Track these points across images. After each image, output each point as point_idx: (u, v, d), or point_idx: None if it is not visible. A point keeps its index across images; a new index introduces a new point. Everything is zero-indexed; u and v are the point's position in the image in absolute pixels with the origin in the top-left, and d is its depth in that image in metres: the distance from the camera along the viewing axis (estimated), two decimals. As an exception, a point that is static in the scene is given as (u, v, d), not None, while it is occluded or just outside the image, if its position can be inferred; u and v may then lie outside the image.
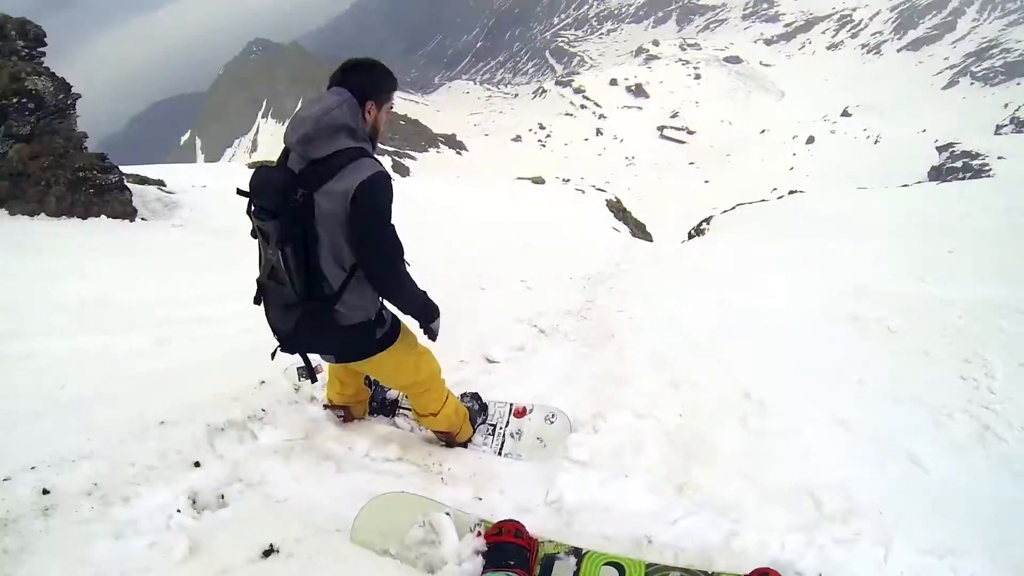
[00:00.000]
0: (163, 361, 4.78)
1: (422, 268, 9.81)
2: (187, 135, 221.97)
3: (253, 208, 2.86)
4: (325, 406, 4.16)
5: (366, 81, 3.01)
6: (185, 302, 6.41)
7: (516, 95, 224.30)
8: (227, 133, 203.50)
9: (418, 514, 3.02)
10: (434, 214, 19.36)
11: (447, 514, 3.03)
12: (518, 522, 3.00)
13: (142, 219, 10.94)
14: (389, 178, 2.88)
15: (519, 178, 44.21)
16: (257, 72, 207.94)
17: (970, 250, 12.80)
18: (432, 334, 3.50)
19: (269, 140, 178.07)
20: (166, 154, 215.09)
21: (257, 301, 3.19)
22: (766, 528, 3.20)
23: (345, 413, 4.13)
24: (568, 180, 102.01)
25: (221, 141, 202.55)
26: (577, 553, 2.98)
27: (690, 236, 31.04)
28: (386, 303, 3.30)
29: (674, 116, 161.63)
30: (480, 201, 26.60)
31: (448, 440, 4.04)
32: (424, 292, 3.34)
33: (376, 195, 2.79)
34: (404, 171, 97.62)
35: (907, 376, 5.62)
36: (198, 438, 3.64)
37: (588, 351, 6.29)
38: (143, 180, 13.96)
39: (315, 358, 3.42)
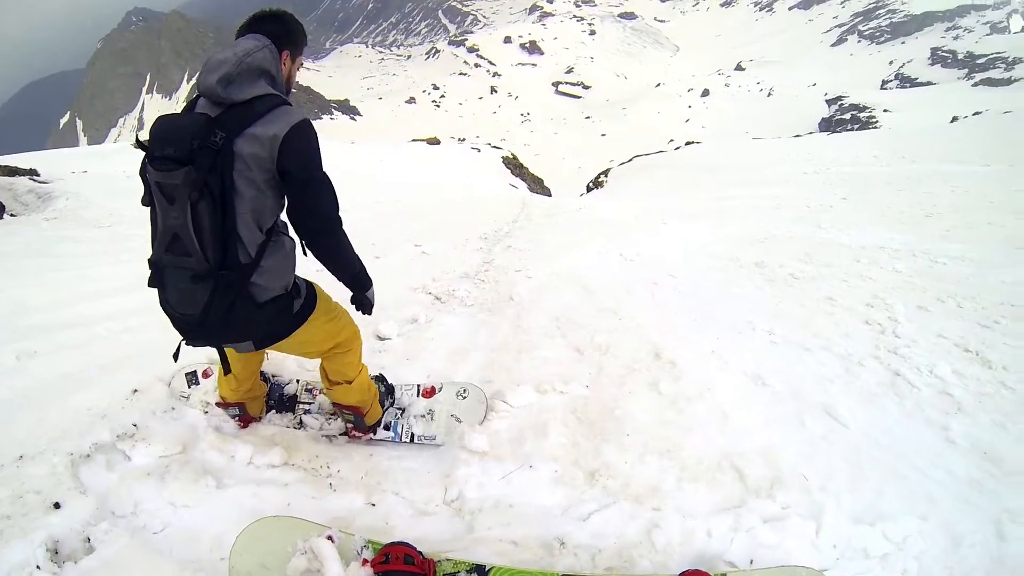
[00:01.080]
0: (25, 379, 3.95)
1: None
2: (66, 117, 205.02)
3: (155, 160, 2.27)
4: (218, 404, 3.55)
5: (281, 31, 2.59)
6: (55, 305, 5.43)
7: (409, 56, 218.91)
8: (110, 111, 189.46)
9: (299, 539, 2.60)
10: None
11: (329, 538, 2.54)
12: (408, 545, 2.46)
13: (11, 215, 9.70)
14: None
15: (414, 140, 43.14)
16: (138, 44, 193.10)
17: (861, 197, 13.05)
18: (367, 306, 3.06)
19: (155, 116, 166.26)
20: (45, 139, 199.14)
21: (152, 284, 2.53)
22: (689, 514, 2.85)
23: (241, 411, 3.55)
24: (464, 139, 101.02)
25: (104, 120, 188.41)
26: (480, 571, 2.50)
27: (589, 189, 31.10)
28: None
29: (569, 72, 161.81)
30: (375, 166, 25.69)
31: (356, 419, 3.47)
32: (359, 257, 2.88)
33: (311, 139, 2.41)
34: None
35: (814, 324, 5.41)
36: (59, 472, 3.02)
37: (486, 317, 5.80)
38: (12, 171, 12.66)
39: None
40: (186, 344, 2.63)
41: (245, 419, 3.60)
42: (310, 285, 2.99)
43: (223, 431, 3.53)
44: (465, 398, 3.82)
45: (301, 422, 3.75)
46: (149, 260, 2.48)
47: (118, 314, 5.22)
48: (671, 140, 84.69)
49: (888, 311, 5.67)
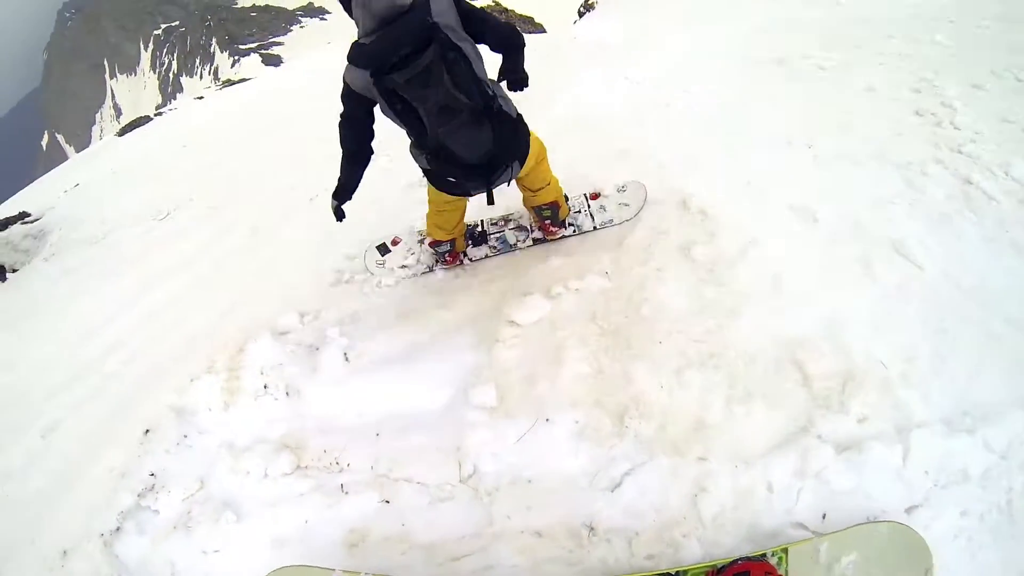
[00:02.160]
0: (54, 458, 3.67)
1: (305, 165, 8.41)
2: (45, 137, 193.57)
3: (395, 66, 2.58)
4: (431, 244, 4.06)
5: None
6: (69, 357, 5.13)
7: None
8: (84, 112, 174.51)
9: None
10: (312, 98, 16.90)
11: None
12: None
13: (13, 270, 9.27)
14: None
15: None
16: (82, 37, 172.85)
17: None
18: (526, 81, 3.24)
19: (129, 97, 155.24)
20: (35, 164, 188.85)
21: (438, 164, 2.97)
22: (744, 459, 2.26)
23: (451, 246, 4.03)
24: None
25: (82, 124, 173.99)
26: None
27: (580, 14, 28.50)
28: None
29: None
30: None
31: (553, 213, 3.86)
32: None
33: None
34: (276, 61, 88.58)
35: (859, 125, 4.50)
36: (97, 560, 2.83)
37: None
38: (4, 224, 12.06)
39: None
40: (477, 188, 3.11)
41: (454, 254, 4.10)
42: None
43: (235, 446, 3.24)
44: (625, 191, 4.15)
45: (496, 244, 4.18)
46: (420, 146, 2.94)
47: (123, 337, 5.06)
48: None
49: (939, 95, 4.73)
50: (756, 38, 7.82)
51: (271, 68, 75.52)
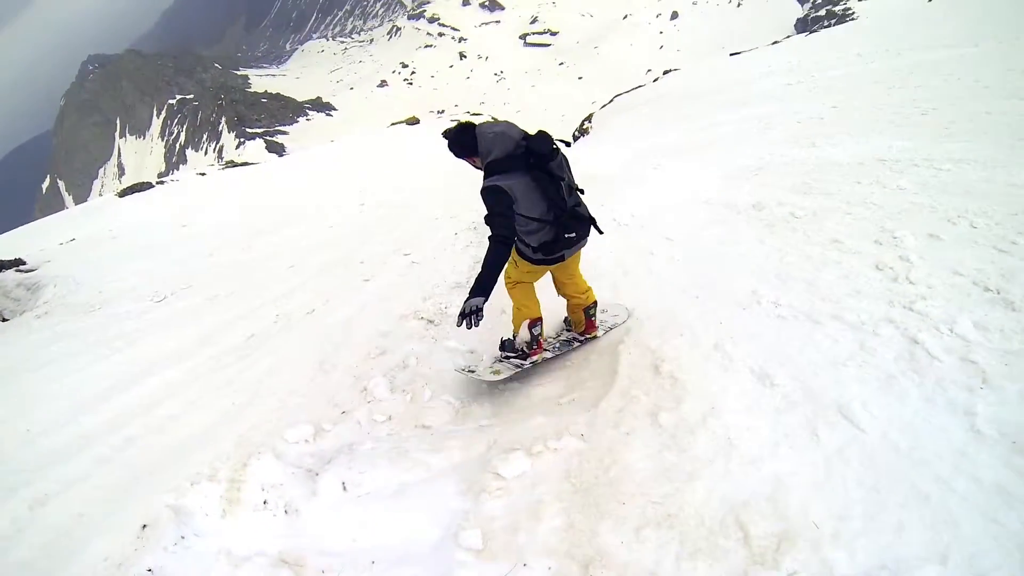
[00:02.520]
0: (42, 532, 3.72)
1: (303, 269, 8.79)
2: (47, 181, 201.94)
3: (556, 153, 3.90)
4: (530, 325, 4.66)
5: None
6: (57, 425, 5.27)
7: (371, 40, 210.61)
8: (88, 165, 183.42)
9: None
10: (311, 197, 17.91)
11: None
12: None
13: (3, 319, 9.56)
14: None
15: (393, 124, 42.08)
16: (100, 92, 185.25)
17: (852, 102, 12.28)
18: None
19: (134, 159, 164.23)
20: (32, 207, 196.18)
21: (566, 229, 4.09)
22: None
23: (541, 326, 4.73)
24: (443, 111, 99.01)
25: (84, 175, 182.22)
26: None
27: (575, 138, 30.21)
28: None
29: (534, 21, 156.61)
30: (355, 164, 24.77)
31: (593, 311, 4.90)
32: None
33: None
34: (279, 149, 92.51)
35: (822, 281, 4.90)
36: None
37: (478, 344, 5.46)
38: None
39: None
40: (580, 241, 4.32)
41: (539, 343, 4.75)
42: None
43: (234, 554, 3.31)
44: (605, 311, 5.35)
45: (559, 346, 5.05)
46: (555, 212, 4.01)
47: (117, 422, 5.14)
48: (648, 70, 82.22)
49: (898, 248, 5.14)
50: (738, 181, 8.46)
51: (273, 155, 78.47)
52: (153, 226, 16.45)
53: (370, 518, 3.51)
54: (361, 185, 18.54)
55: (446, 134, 4.03)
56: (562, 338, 5.16)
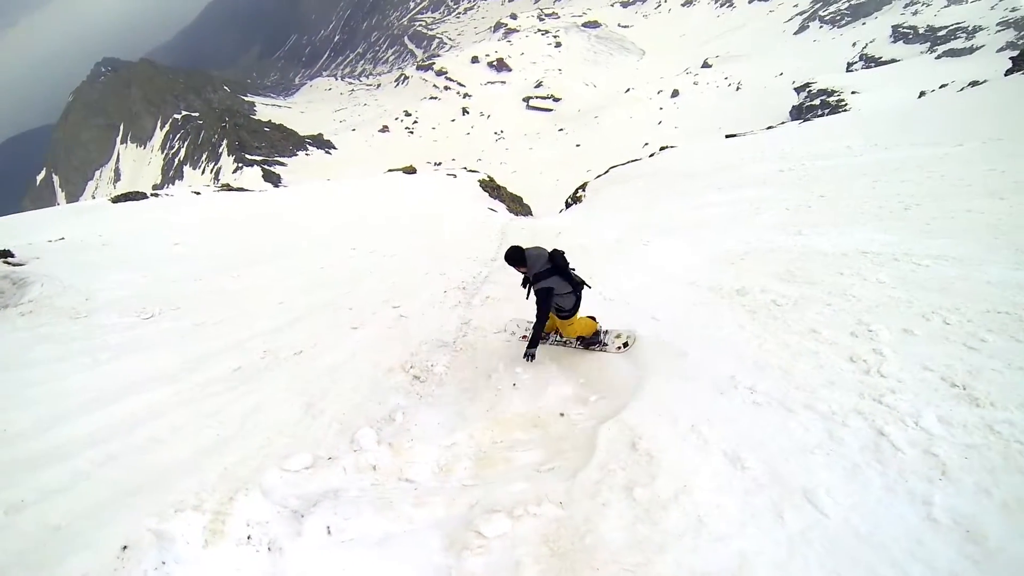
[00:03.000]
0: (17, 538, 3.74)
1: (292, 307, 8.91)
2: (42, 173, 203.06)
3: (564, 266, 6.26)
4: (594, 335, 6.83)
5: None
6: (35, 430, 5.27)
7: (379, 85, 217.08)
8: (85, 164, 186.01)
9: None
10: (304, 233, 18.31)
11: None
12: None
13: None
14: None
15: (390, 170, 42.87)
16: (109, 95, 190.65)
17: (839, 193, 12.76)
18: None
19: (132, 167, 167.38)
20: (22, 196, 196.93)
21: (577, 299, 6.45)
22: None
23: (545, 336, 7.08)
24: (440, 164, 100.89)
25: (80, 174, 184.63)
26: None
27: (568, 205, 30.92)
28: None
29: (538, 86, 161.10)
30: (350, 206, 25.43)
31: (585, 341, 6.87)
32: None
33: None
34: (276, 179, 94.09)
35: (798, 370, 5.18)
36: None
37: (466, 403, 5.77)
38: None
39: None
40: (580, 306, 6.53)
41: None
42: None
43: None
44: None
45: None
46: (573, 295, 6.37)
47: (98, 436, 5.12)
48: (645, 144, 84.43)
49: (872, 341, 5.43)
50: (724, 264, 8.82)
51: (269, 184, 78.75)
52: (145, 239, 16.45)
53: (354, 564, 3.64)
54: (353, 228, 18.92)
55: (508, 255, 6.28)
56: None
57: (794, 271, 7.86)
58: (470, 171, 43.99)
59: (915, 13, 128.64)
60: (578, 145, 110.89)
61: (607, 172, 33.70)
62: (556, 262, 6.11)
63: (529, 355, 6.25)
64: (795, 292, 7.06)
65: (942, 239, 8.15)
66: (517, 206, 35.65)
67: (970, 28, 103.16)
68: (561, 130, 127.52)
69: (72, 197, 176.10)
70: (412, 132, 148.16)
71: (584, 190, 31.18)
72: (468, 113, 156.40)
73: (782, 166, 18.54)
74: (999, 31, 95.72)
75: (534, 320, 6.22)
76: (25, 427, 5.36)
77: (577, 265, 10.37)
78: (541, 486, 4.15)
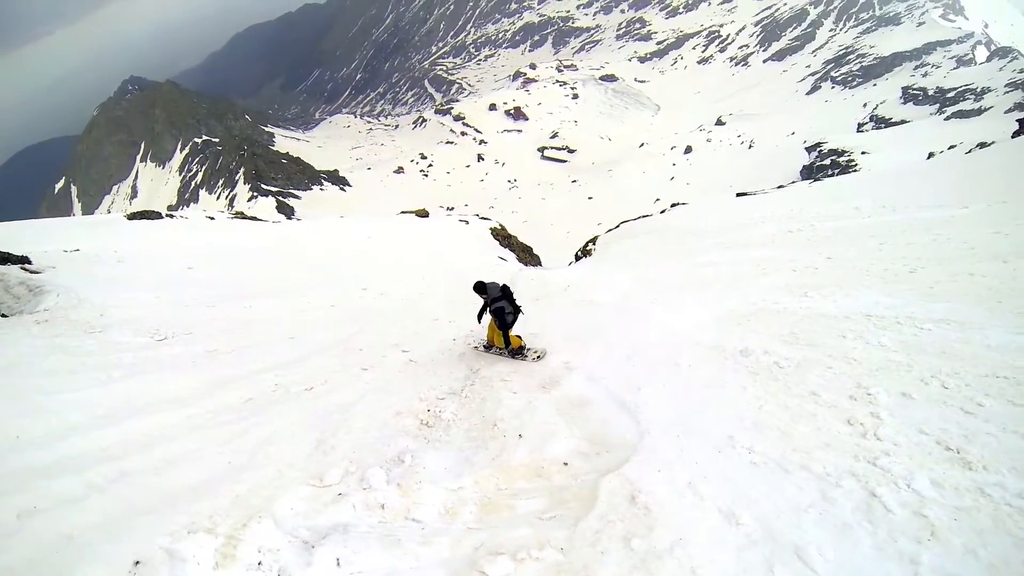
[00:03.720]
0: (28, 543, 3.91)
1: (303, 344, 9.12)
2: (61, 182, 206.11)
3: (512, 297, 9.37)
4: (486, 346, 9.76)
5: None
6: (48, 439, 5.47)
7: (397, 126, 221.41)
8: (104, 178, 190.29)
9: None
10: (316, 269, 18.84)
11: None
12: None
13: (2, 315, 9.65)
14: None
15: (403, 212, 43.64)
16: (133, 113, 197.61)
17: (846, 254, 13.00)
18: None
19: (149, 186, 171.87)
20: (39, 203, 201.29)
21: (514, 316, 9.33)
22: None
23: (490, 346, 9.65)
24: (452, 208, 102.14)
25: (98, 187, 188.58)
26: None
27: (577, 257, 31.29)
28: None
29: (554, 136, 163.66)
30: (363, 244, 26.02)
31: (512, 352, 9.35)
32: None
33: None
34: (289, 211, 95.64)
35: (796, 433, 5.38)
36: None
37: (472, 451, 5.95)
38: (4, 258, 12.51)
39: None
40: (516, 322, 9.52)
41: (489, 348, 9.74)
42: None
43: None
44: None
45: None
46: (515, 311, 9.38)
47: (111, 452, 5.36)
48: (657, 200, 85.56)
49: (871, 404, 5.63)
50: (729, 324, 9.04)
51: (282, 216, 79.61)
52: (159, 260, 16.84)
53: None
54: (365, 268, 19.44)
55: (474, 286, 9.47)
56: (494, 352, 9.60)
57: (797, 333, 8.08)
58: (482, 218, 44.69)
59: (925, 75, 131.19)
60: (590, 198, 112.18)
61: (618, 227, 34.20)
62: (506, 292, 9.28)
63: (487, 348, 9.75)
64: (797, 354, 7.26)
65: (945, 302, 8.38)
66: (527, 256, 36.12)
67: (979, 89, 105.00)
68: (574, 182, 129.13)
69: (88, 209, 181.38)
70: (427, 175, 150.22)
71: (594, 244, 31.61)
72: (483, 160, 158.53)
73: (791, 226, 18.87)
74: (1007, 92, 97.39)
75: (484, 338, 10.05)
76: (38, 435, 5.58)
77: (583, 320, 10.68)
78: (543, 532, 4.34)
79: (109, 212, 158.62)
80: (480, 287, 9.34)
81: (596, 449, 5.70)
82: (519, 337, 9.44)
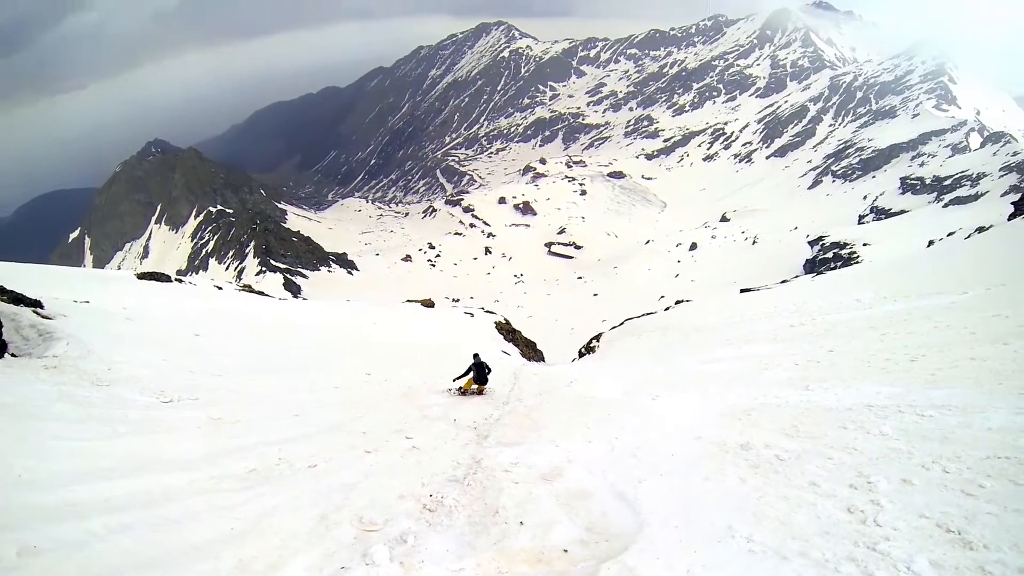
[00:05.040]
0: None
1: (307, 422, 9.27)
2: (76, 232, 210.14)
3: (486, 365, 15.55)
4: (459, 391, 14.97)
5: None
6: (51, 484, 5.57)
7: (407, 214, 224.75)
8: (118, 235, 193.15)
9: None
10: (322, 352, 19.14)
11: None
12: None
13: (12, 355, 9.68)
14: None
15: (408, 300, 44.16)
16: (153, 174, 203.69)
17: (847, 347, 13.22)
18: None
19: (161, 247, 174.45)
20: (52, 249, 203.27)
21: (483, 378, 15.27)
22: None
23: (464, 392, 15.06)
24: (458, 300, 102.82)
25: (112, 242, 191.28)
26: None
27: (581, 354, 31.52)
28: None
29: (561, 232, 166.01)
30: (368, 331, 26.41)
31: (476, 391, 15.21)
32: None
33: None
34: (296, 289, 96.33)
35: (795, 522, 5.45)
36: None
37: (474, 536, 6.02)
38: (18, 299, 12.72)
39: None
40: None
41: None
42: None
43: None
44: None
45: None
46: (485, 374, 15.36)
47: (113, 504, 5.46)
48: (662, 297, 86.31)
49: (871, 492, 5.73)
50: (731, 420, 9.17)
51: (288, 294, 79.50)
52: (167, 322, 17.15)
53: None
54: (370, 353, 19.76)
55: (474, 355, 15.29)
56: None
57: (799, 426, 8.20)
58: (487, 311, 45.16)
59: (922, 165, 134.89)
60: (596, 294, 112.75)
61: (622, 324, 34.64)
62: (482, 361, 15.12)
63: (458, 391, 14.88)
64: (798, 447, 7.37)
65: (946, 388, 8.56)
66: (530, 351, 36.37)
67: (974, 176, 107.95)
68: (580, 278, 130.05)
69: (99, 263, 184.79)
70: (434, 265, 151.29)
71: (598, 340, 31.95)
72: (490, 253, 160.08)
73: (793, 320, 19.19)
74: (1002, 175, 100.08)
75: (461, 384, 15.06)
76: (42, 478, 5.68)
77: (586, 415, 10.94)
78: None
79: (120, 268, 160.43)
80: (476, 356, 15.21)
81: (596, 538, 5.76)
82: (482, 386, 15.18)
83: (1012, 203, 33.33)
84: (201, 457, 7.32)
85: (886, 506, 5.33)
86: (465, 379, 14.85)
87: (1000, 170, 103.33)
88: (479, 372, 14.81)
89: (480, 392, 14.80)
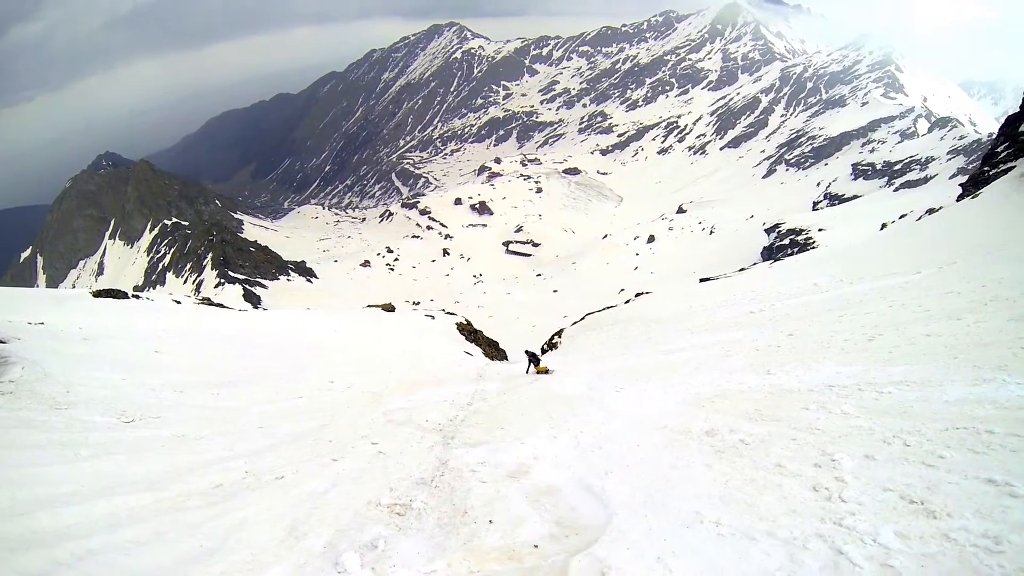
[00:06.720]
0: None
1: (272, 433, 9.13)
2: (27, 251, 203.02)
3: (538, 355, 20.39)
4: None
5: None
6: (12, 512, 5.42)
7: (364, 219, 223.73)
8: (72, 252, 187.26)
9: None
10: (283, 359, 18.94)
11: None
12: None
13: None
14: None
15: (369, 306, 44.04)
16: (105, 188, 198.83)
17: (807, 330, 13.45)
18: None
19: (117, 263, 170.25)
20: (4, 270, 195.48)
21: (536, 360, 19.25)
22: None
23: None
24: (418, 303, 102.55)
25: (65, 260, 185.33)
26: None
27: (543, 351, 31.66)
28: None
29: (518, 230, 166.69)
30: (330, 338, 26.17)
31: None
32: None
33: None
34: (256, 300, 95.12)
35: (762, 503, 5.53)
36: None
37: (444, 537, 5.99)
38: None
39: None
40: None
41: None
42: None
43: None
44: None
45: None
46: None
47: (76, 530, 5.31)
48: (621, 290, 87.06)
49: (835, 470, 5.82)
50: (694, 407, 9.28)
51: (248, 305, 78.48)
52: (125, 340, 16.71)
53: None
54: (332, 361, 19.59)
55: (526, 351, 19.73)
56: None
57: (762, 410, 8.33)
58: (448, 313, 45.08)
59: (872, 151, 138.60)
60: (555, 291, 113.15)
61: (583, 319, 34.86)
62: (533, 352, 18.98)
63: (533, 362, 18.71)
64: (762, 430, 7.47)
65: (904, 365, 8.77)
66: (493, 351, 36.42)
67: (923, 160, 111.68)
68: (539, 275, 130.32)
69: (53, 282, 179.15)
70: (393, 269, 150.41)
71: (560, 336, 32.13)
72: (449, 254, 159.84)
73: (752, 307, 19.51)
74: (950, 159, 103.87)
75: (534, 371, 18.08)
76: (2, 506, 5.53)
77: (551, 411, 10.93)
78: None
79: (74, 287, 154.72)
80: (527, 352, 19.15)
81: (566, 532, 5.76)
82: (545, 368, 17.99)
83: (960, 184, 34.44)
84: (166, 476, 7.17)
85: (850, 482, 5.43)
86: (533, 368, 18.41)
87: (948, 153, 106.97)
88: (535, 359, 18.63)
89: (546, 371, 17.89)
